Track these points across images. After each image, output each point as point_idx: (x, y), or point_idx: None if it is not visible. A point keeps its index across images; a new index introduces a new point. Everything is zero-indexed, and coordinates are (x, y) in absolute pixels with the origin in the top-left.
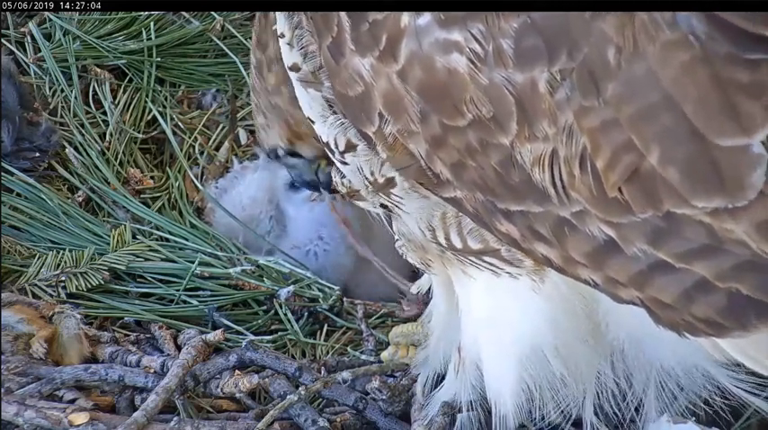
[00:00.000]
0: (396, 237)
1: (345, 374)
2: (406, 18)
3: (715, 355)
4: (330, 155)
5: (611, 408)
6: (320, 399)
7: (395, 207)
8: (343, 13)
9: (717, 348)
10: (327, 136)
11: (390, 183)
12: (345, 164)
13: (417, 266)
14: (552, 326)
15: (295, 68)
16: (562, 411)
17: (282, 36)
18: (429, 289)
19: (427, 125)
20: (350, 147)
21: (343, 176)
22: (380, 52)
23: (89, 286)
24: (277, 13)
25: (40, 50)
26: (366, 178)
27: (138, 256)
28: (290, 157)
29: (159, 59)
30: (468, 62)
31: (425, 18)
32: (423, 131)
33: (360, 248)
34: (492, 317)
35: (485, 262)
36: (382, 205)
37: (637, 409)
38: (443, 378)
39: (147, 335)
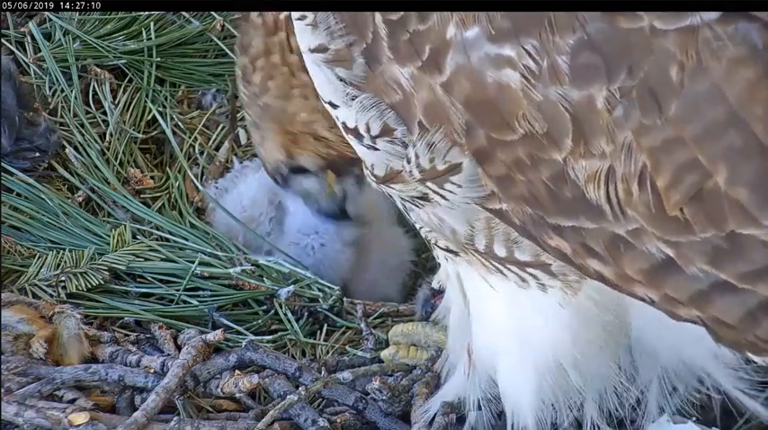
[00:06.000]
0: (418, 224)
1: (345, 374)
2: (451, 30)
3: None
4: (355, 142)
5: (613, 405)
6: (320, 399)
7: (441, 197)
8: (378, 19)
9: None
10: (355, 120)
11: (456, 168)
12: (376, 149)
13: (438, 259)
14: (574, 338)
15: (321, 49)
16: (571, 413)
17: (303, 18)
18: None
19: (472, 138)
20: (386, 132)
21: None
22: (423, 63)
23: (89, 286)
24: None
25: (40, 50)
26: (419, 166)
27: (138, 256)
28: (297, 176)
29: (159, 59)
30: (522, 78)
31: (473, 31)
32: (467, 144)
33: None
34: (511, 327)
35: (527, 272)
36: (421, 196)
37: (634, 408)
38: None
39: (147, 335)
